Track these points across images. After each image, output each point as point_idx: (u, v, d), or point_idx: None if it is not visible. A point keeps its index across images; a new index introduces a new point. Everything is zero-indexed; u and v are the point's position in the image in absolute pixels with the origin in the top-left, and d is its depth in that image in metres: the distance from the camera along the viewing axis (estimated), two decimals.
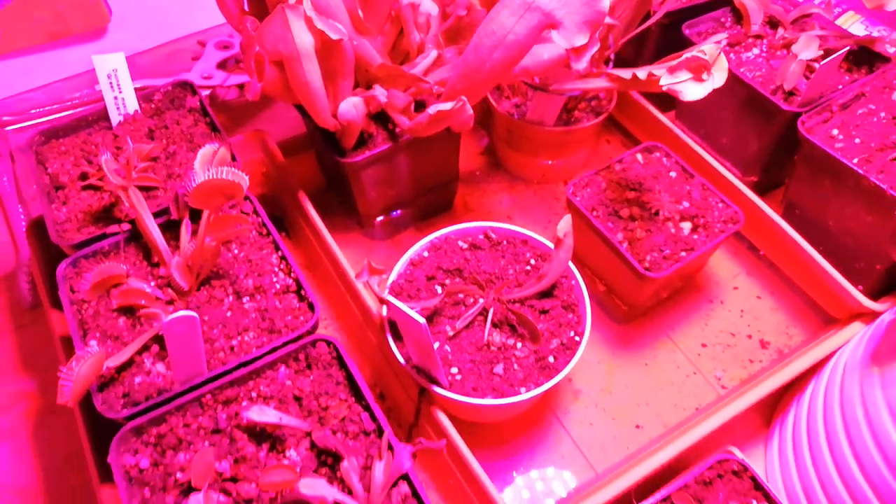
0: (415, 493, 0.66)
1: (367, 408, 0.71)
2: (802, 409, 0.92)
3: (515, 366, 0.85)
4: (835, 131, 0.95)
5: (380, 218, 1.11)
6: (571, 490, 0.90)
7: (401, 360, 0.84)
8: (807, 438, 0.88)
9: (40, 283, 0.97)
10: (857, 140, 0.93)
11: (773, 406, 0.99)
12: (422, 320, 0.71)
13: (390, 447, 0.67)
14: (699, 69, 0.70)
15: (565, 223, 0.87)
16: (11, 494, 0.95)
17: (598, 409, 0.97)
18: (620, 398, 0.97)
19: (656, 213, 0.96)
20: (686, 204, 0.98)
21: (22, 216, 1.21)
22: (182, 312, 0.65)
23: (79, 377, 0.66)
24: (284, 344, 0.75)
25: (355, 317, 0.97)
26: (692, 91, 0.71)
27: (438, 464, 0.86)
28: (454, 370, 0.84)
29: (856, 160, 0.91)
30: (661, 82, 0.71)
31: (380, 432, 0.70)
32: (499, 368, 0.84)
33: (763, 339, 1.02)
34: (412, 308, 0.74)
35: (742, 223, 0.95)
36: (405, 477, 0.66)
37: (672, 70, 0.69)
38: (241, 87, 1.36)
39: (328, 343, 0.75)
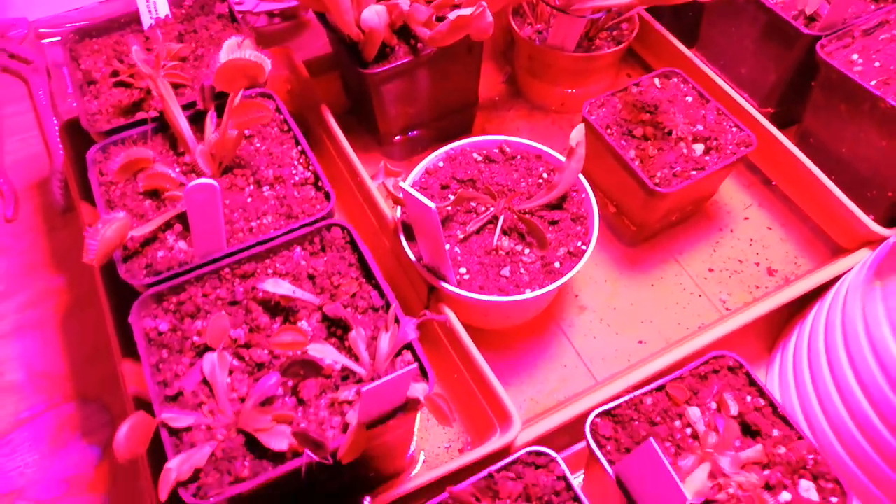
0: (418, 363, 0.69)
1: (377, 286, 0.74)
2: (805, 331, 0.93)
3: (522, 270, 0.87)
4: (854, 56, 0.95)
5: (398, 137, 1.13)
6: (571, 395, 0.92)
7: (412, 257, 0.86)
8: (807, 358, 0.90)
9: (72, 180, 1.02)
10: (877, 64, 0.93)
11: (777, 335, 1.01)
12: (432, 205, 0.74)
13: (396, 320, 0.70)
14: None
15: (578, 132, 0.88)
16: (41, 378, 1.01)
17: (603, 324, 0.99)
18: (625, 315, 1.00)
19: (669, 133, 0.97)
20: (700, 127, 0.98)
21: (56, 127, 1.26)
22: (204, 180, 0.68)
23: (104, 238, 0.69)
24: (301, 227, 0.78)
25: (371, 224, 1.00)
26: None
27: (443, 360, 0.89)
28: (463, 270, 0.87)
29: (873, 83, 0.91)
30: None
31: (387, 307, 0.73)
32: (506, 271, 0.87)
33: (770, 266, 1.04)
34: None
35: (755, 146, 0.96)
36: (409, 347, 0.69)
37: None
38: (270, 14, 1.39)
39: (342, 228, 0.79)
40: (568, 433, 0.86)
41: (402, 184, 0.77)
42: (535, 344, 0.97)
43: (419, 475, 0.79)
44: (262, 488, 0.63)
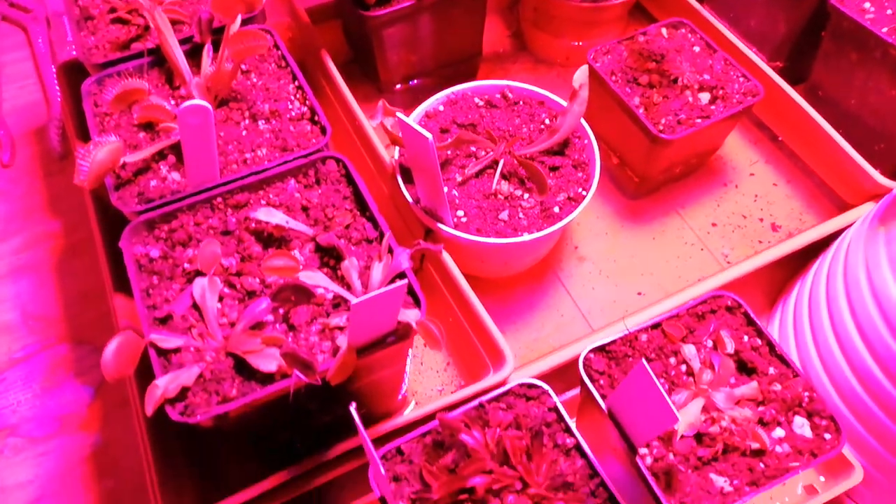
0: (411, 292, 0.68)
1: (371, 219, 0.73)
2: (806, 282, 0.92)
3: (520, 214, 0.86)
4: (867, 4, 0.93)
5: (399, 86, 1.12)
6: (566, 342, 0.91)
7: (409, 199, 0.85)
8: (807, 308, 0.89)
9: (69, 121, 1.00)
10: (889, 12, 0.91)
11: (779, 291, 0.99)
12: (429, 136, 0.73)
13: (390, 249, 0.69)
14: None
15: (581, 74, 0.87)
16: (34, 320, 1.00)
17: (602, 275, 0.98)
18: (624, 267, 0.98)
19: (675, 81, 0.95)
20: (707, 76, 0.97)
21: (55, 75, 1.25)
22: (197, 101, 0.67)
23: (95, 160, 0.68)
24: (295, 158, 0.77)
25: (368, 169, 0.99)
26: None
27: (438, 305, 0.88)
28: (460, 213, 0.85)
29: (885, 30, 0.89)
30: None
31: (381, 239, 0.71)
32: (504, 215, 0.86)
33: (775, 222, 1.02)
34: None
35: (762, 96, 0.94)
36: (402, 276, 0.68)
37: None
38: None
39: (337, 161, 0.77)
40: (562, 379, 0.85)
41: (399, 115, 0.75)
42: (532, 293, 0.96)
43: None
44: (250, 411, 0.62)
